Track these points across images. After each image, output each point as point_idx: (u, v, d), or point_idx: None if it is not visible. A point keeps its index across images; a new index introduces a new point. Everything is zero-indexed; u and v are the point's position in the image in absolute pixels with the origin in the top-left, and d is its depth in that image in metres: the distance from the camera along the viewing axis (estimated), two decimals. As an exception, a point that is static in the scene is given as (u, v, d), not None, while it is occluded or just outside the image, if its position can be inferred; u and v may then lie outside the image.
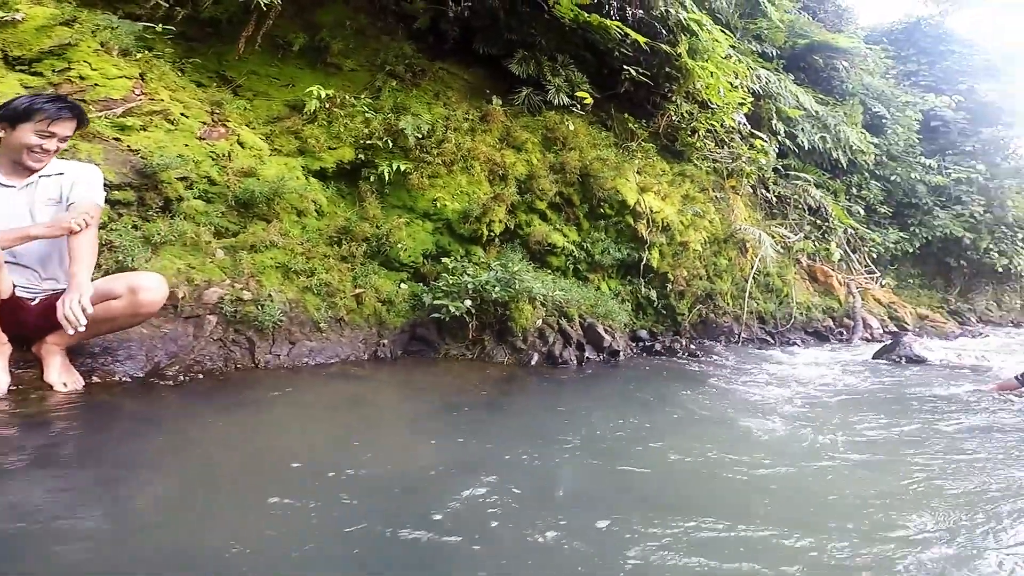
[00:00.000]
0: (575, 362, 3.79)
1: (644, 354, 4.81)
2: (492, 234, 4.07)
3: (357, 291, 3.20)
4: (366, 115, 3.95)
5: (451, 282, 3.27)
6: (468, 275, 3.38)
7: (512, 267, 3.48)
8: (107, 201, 2.39)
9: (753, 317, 6.43)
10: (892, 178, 8.71)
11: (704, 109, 6.80)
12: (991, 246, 8.37)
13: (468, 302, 3.19)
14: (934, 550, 1.30)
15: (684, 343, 5.38)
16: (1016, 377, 3.12)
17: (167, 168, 2.86)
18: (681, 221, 5.91)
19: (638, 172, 5.90)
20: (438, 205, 3.87)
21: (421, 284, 3.55)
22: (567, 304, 4.04)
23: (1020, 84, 11.71)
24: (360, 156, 3.84)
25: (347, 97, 4.04)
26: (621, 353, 4.29)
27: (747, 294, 6.25)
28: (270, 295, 2.85)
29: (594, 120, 5.97)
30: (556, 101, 5.36)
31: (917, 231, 8.39)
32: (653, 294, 5.37)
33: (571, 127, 5.41)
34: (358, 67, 4.56)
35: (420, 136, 3.94)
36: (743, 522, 1.40)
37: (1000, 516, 1.51)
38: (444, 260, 3.65)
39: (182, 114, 3.26)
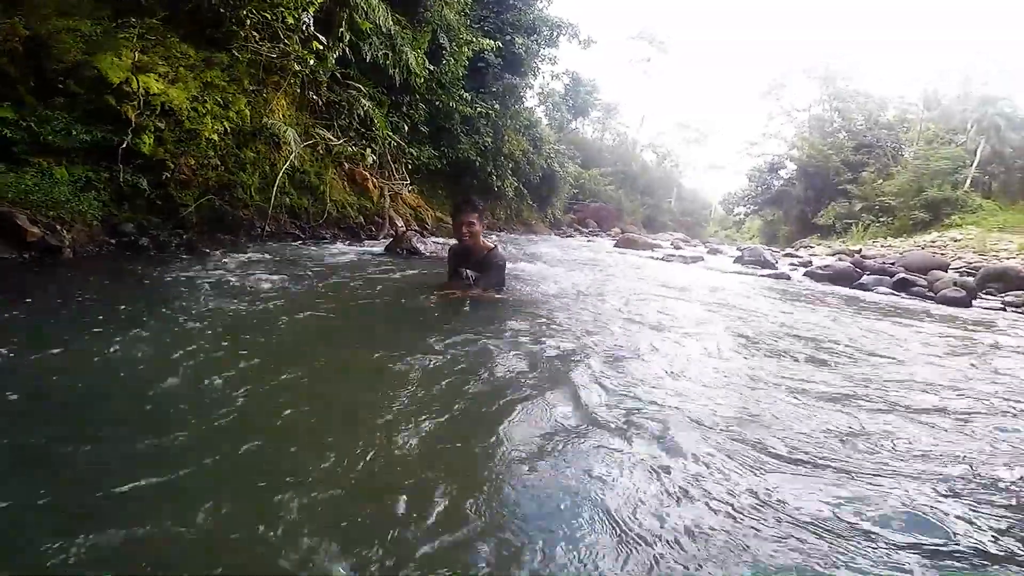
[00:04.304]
0: (-34, 262, 3.25)
1: (125, 251, 4.32)
2: None
3: None
4: None
5: None
6: None
7: None
8: None
9: (284, 212, 6.89)
10: (437, 104, 10.40)
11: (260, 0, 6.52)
12: (492, 171, 11.25)
13: None
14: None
15: (187, 238, 5.27)
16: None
17: None
18: (195, 108, 5.69)
19: (142, 51, 5.32)
20: None
21: None
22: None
23: (540, 42, 15.26)
24: None
25: None
26: (67, 250, 3.88)
27: (275, 188, 6.58)
28: None
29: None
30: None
31: (447, 151, 10.46)
32: (144, 183, 5.05)
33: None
34: None
35: None
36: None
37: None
38: None
39: None
